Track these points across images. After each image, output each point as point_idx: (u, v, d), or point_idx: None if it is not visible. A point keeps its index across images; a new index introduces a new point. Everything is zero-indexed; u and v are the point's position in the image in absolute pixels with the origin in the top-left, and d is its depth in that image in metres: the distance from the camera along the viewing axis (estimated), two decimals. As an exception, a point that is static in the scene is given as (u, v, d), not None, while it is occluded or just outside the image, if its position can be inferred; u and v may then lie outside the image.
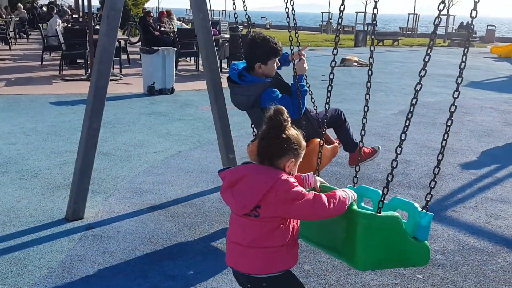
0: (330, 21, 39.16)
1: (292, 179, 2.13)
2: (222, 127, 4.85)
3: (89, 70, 11.81)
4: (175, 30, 14.75)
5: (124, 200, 4.68)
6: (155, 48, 10.21)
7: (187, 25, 21.14)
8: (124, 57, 13.79)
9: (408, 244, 2.23)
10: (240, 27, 23.97)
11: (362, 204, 2.60)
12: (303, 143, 2.24)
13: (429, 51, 2.40)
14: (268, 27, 42.51)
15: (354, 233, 2.17)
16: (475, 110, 9.56)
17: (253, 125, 4.10)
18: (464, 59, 2.39)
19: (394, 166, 2.40)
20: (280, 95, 3.71)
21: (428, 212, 2.29)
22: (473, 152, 6.68)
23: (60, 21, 14.94)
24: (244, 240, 2.20)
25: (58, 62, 12.60)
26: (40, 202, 4.55)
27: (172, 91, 10.23)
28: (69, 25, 17.51)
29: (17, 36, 21.86)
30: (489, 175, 5.70)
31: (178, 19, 21.60)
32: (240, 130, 7.17)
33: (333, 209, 2.12)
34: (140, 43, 17.25)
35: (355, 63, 16.75)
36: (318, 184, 2.41)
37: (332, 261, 3.65)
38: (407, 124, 2.44)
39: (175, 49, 10.53)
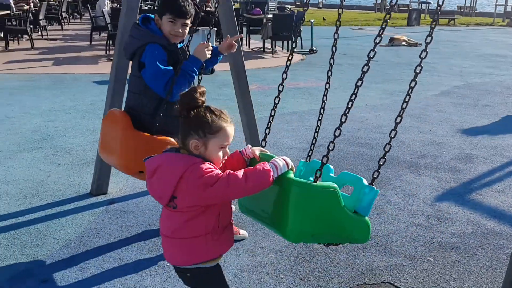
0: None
1: (206, 165, 1.99)
2: (244, 105, 4.88)
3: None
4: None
5: (148, 176, 4.81)
6: (196, 28, 10.30)
7: (233, 4, 21.16)
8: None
9: (346, 219, 2.11)
10: (289, 6, 23.82)
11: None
12: (218, 125, 2.05)
13: (381, 32, 2.24)
14: (321, 6, 41.85)
15: (287, 202, 2.04)
16: (522, 91, 9.16)
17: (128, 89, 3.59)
18: (429, 40, 2.23)
19: (337, 134, 2.23)
20: (164, 60, 3.22)
21: (374, 188, 2.16)
22: (512, 135, 6.43)
23: (109, 2, 15.31)
24: (167, 230, 2.14)
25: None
26: (69, 177, 4.76)
27: (212, 71, 10.31)
28: (118, 5, 17.91)
29: (71, 17, 22.55)
30: (523, 158, 5.49)
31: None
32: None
33: (252, 184, 1.97)
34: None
35: (403, 43, 16.32)
36: (257, 152, 2.24)
37: (343, 241, 3.64)
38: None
39: (215, 28, 10.58)
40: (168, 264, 3.32)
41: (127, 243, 3.62)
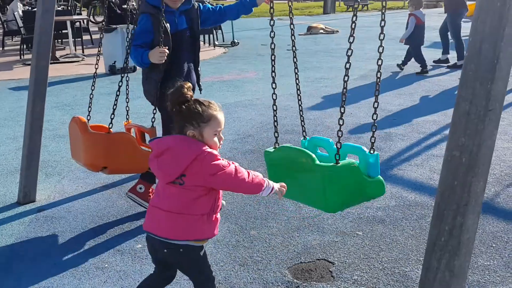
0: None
1: (215, 152, 2.26)
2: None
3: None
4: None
5: (78, 180, 4.74)
6: (114, 26, 10.11)
7: None
8: (87, 37, 13.66)
9: (365, 183, 2.58)
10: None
11: (318, 151, 3.05)
12: (209, 114, 2.28)
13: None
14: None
15: (322, 184, 2.48)
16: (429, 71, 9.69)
17: None
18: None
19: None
20: (145, 30, 3.57)
21: (375, 153, 2.65)
22: (427, 111, 6.83)
23: (21, 5, 14.66)
24: (167, 206, 2.32)
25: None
26: (-7, 188, 4.60)
27: (134, 69, 10.17)
28: (30, 8, 17.19)
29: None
30: (438, 132, 5.87)
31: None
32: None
33: (251, 183, 2.29)
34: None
35: (321, 31, 16.77)
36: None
37: (277, 225, 3.77)
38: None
39: (134, 26, 10.43)
40: (106, 265, 3.31)
41: (62, 248, 3.57)
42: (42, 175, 4.66)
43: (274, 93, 2.93)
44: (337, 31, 16.98)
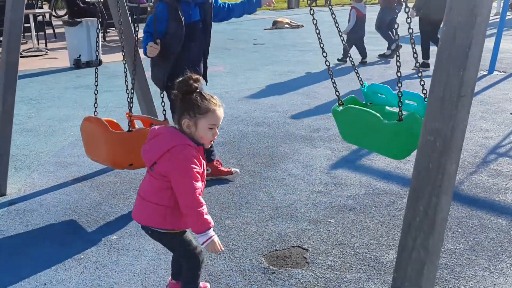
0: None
1: (192, 152, 2.32)
2: (143, 92, 4.92)
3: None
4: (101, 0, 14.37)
5: (48, 174, 4.69)
6: (78, 20, 9.98)
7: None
8: (50, 31, 13.40)
9: None
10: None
11: (379, 95, 3.48)
12: (207, 107, 2.35)
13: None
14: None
15: (389, 138, 2.88)
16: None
17: None
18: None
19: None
20: (162, 18, 3.73)
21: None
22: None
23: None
24: (141, 191, 2.52)
25: (-22, 40, 12.11)
26: (-39, 183, 4.50)
27: (99, 63, 10.07)
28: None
29: None
30: (403, 124, 6.04)
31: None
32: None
33: (199, 215, 2.30)
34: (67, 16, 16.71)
35: (286, 25, 16.89)
36: None
37: (252, 214, 3.84)
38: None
39: (100, 19, 10.30)
40: (82, 257, 3.32)
41: (36, 240, 3.54)
42: (11, 169, 4.59)
43: (326, 60, 3.44)
44: (302, 26, 17.12)
